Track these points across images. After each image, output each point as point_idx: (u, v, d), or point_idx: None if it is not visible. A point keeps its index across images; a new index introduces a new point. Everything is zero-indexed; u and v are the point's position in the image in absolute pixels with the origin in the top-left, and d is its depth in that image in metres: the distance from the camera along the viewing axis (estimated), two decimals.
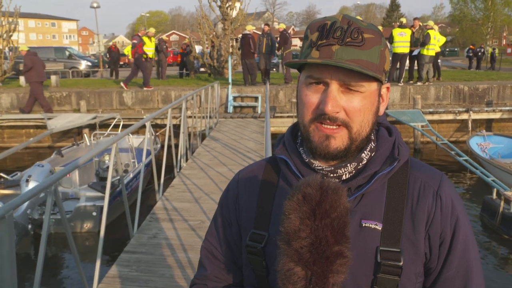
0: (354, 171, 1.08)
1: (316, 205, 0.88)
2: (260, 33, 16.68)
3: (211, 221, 1.29)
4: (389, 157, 1.09)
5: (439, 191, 1.07)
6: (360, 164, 1.09)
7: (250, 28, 16.76)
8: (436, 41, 15.58)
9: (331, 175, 1.08)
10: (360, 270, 1.03)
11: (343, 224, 0.88)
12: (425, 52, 15.31)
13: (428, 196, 1.07)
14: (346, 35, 1.00)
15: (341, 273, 0.87)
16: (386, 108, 1.14)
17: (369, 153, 1.10)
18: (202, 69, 23.86)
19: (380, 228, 1.04)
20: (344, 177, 1.08)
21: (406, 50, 15.22)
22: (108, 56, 22.85)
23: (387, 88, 1.13)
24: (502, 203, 7.79)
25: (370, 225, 1.05)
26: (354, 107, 1.02)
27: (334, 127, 1.03)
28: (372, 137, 1.12)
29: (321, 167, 1.09)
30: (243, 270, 1.20)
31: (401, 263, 1.01)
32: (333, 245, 0.86)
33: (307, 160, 1.11)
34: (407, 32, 15.10)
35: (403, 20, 15.88)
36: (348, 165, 1.08)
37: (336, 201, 0.88)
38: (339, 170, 1.08)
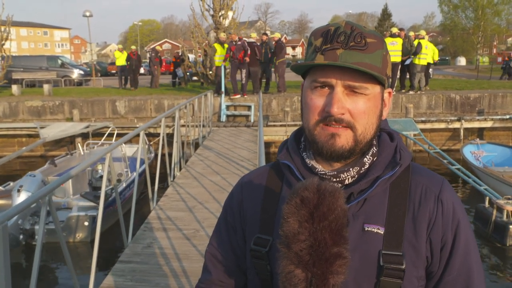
0: (356, 176, 1.09)
1: (314, 208, 0.90)
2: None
3: (215, 226, 1.30)
4: (391, 161, 1.11)
5: (441, 195, 1.09)
6: (363, 168, 1.10)
7: (254, 36, 16.84)
8: (428, 50, 15.70)
9: (334, 179, 1.09)
10: (362, 273, 1.04)
11: (340, 226, 0.90)
12: (416, 61, 15.47)
13: (429, 201, 1.08)
14: (350, 40, 1.03)
15: (340, 274, 0.89)
16: None
17: (371, 157, 1.11)
18: (194, 78, 23.88)
19: (382, 232, 1.05)
20: (346, 182, 1.09)
21: (398, 59, 15.34)
22: (127, 63, 20.30)
23: (389, 93, 1.15)
24: (494, 212, 7.83)
25: (373, 229, 1.06)
26: (359, 109, 1.04)
27: (339, 127, 1.05)
28: (374, 142, 1.13)
29: (324, 172, 1.10)
30: (247, 274, 1.21)
31: (403, 267, 1.02)
32: (331, 247, 0.88)
33: (310, 165, 1.12)
34: (399, 41, 15.23)
35: (394, 29, 16.01)
36: (351, 169, 1.09)
37: (333, 203, 0.90)
38: (341, 175, 1.09)
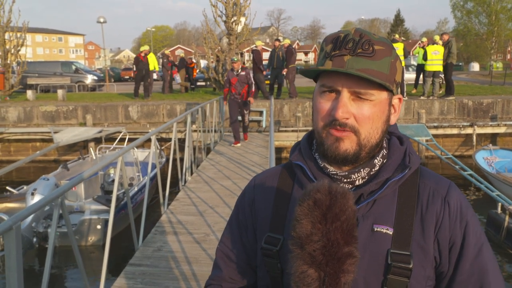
0: (366, 177, 1.13)
1: (326, 210, 0.93)
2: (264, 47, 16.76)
3: (226, 224, 1.33)
4: (400, 164, 1.14)
5: (447, 197, 1.12)
6: (373, 170, 1.13)
7: (259, 44, 16.89)
8: (439, 55, 15.60)
9: (345, 180, 1.12)
10: (371, 271, 1.07)
11: (351, 226, 0.93)
12: (427, 67, 15.49)
13: (436, 202, 1.11)
14: (358, 46, 1.06)
15: (351, 272, 0.93)
16: None
17: (381, 159, 1.14)
18: (198, 83, 23.97)
19: (391, 233, 1.08)
20: (357, 183, 1.13)
21: (401, 64, 15.46)
22: (133, 67, 18.05)
23: (399, 99, 1.18)
24: (507, 218, 7.74)
25: (382, 230, 1.09)
26: (363, 114, 1.07)
27: (343, 131, 1.08)
28: (385, 144, 1.17)
29: (335, 172, 1.13)
30: (258, 272, 1.24)
31: (410, 266, 1.05)
32: (343, 246, 0.92)
33: (322, 165, 1.15)
34: (400, 46, 15.32)
35: (396, 35, 16.25)
36: (361, 170, 1.12)
37: (345, 204, 0.93)
38: (352, 175, 1.12)
